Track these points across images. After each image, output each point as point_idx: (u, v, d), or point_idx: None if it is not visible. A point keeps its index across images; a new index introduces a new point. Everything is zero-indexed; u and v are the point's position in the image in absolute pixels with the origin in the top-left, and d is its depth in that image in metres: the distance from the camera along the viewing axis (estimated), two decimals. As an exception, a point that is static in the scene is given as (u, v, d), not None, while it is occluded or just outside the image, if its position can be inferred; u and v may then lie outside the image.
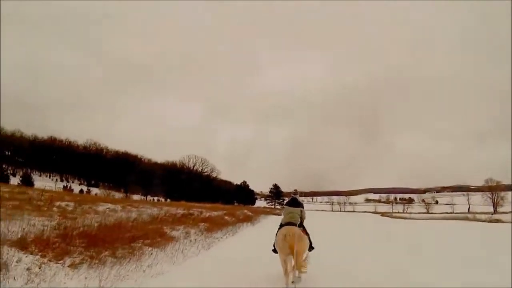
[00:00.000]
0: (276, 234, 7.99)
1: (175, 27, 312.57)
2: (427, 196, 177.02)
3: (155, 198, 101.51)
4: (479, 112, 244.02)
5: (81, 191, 76.73)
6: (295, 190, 9.11)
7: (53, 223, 10.36)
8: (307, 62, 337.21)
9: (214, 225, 17.69)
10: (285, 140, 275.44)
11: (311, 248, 8.18)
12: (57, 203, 18.87)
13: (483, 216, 46.74)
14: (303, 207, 8.61)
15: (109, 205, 22.73)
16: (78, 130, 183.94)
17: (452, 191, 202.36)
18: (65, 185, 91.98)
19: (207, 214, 23.95)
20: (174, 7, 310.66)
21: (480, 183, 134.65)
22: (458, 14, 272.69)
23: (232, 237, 16.25)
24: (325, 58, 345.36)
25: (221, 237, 15.08)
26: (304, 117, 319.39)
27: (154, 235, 11.31)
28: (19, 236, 7.71)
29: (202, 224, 16.96)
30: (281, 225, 8.10)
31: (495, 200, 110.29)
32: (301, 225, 8.14)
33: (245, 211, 35.87)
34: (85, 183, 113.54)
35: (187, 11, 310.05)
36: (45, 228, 9.08)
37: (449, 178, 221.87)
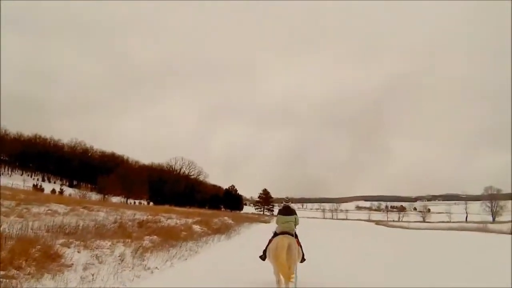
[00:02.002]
0: (269, 241, 7.77)
1: (176, 29, 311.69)
2: (418, 204, 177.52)
3: (137, 202, 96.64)
4: (477, 121, 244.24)
5: (53, 191, 71.78)
6: (287, 198, 9.11)
7: None
8: (306, 68, 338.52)
9: (167, 239, 12.41)
10: (279, 146, 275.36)
11: (302, 259, 7.86)
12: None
13: (503, 227, 41.89)
14: (296, 213, 8.18)
15: (55, 206, 18.93)
16: (77, 131, 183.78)
17: (443, 200, 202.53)
18: (35, 184, 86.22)
19: (171, 223, 19.15)
20: (176, 10, 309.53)
21: (474, 191, 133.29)
22: (459, 20, 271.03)
23: (182, 262, 9.96)
24: (324, 66, 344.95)
25: (160, 265, 8.91)
26: (300, 122, 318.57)
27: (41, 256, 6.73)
28: None
29: (150, 238, 11.98)
30: (276, 234, 7.77)
31: (494, 209, 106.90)
32: (295, 235, 7.80)
33: (226, 218, 30.39)
34: (67, 183, 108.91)
35: (190, 14, 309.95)
36: None
37: (440, 186, 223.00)
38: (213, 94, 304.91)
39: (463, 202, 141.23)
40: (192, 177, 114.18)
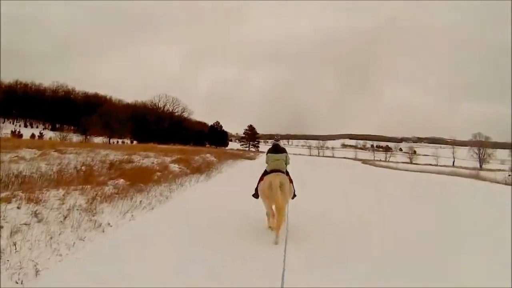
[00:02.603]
0: (260, 179, 7.76)
1: None
2: (404, 145, 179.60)
3: (120, 141, 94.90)
4: (467, 69, 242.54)
5: (32, 135, 69.73)
6: (277, 136, 8.96)
7: None
8: (296, 8, 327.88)
9: (137, 182, 10.77)
10: (266, 83, 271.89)
11: (293, 196, 7.86)
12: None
13: (497, 176, 40.46)
14: (286, 152, 8.14)
15: (25, 152, 17.63)
16: (59, 75, 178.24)
17: (428, 143, 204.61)
18: (13, 130, 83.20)
19: (148, 162, 17.73)
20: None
21: (461, 137, 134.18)
22: None
23: (147, 213, 8.30)
24: (316, 6, 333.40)
25: (117, 220, 7.22)
26: (290, 62, 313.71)
27: None
28: None
29: (115, 182, 10.50)
30: (266, 172, 7.77)
31: (482, 156, 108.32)
32: (287, 172, 7.75)
33: (208, 155, 28.94)
34: (50, 127, 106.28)
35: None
36: None
37: (426, 129, 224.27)
38: (199, 35, 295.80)
39: (449, 146, 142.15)
40: (177, 114, 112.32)
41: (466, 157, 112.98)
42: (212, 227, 7.42)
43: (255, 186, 7.92)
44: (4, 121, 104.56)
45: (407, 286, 4.72)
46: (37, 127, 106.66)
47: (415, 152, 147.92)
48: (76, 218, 6.37)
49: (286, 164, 7.91)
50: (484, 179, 35.18)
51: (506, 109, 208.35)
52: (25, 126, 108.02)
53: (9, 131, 78.15)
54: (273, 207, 7.05)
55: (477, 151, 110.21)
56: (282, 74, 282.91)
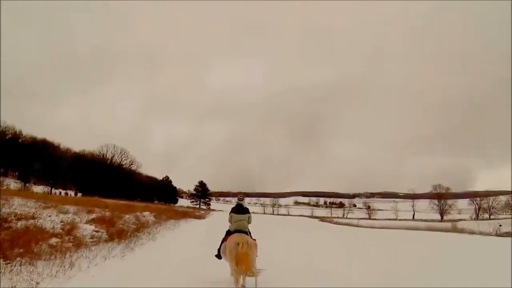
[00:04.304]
0: (223, 240, 7.83)
1: (124, 18, 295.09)
2: (357, 200, 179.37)
3: (63, 192, 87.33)
4: (412, 128, 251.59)
5: None
6: (241, 196, 8.60)
7: None
8: (248, 64, 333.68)
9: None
10: (217, 140, 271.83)
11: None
12: None
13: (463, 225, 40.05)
14: (249, 212, 8.16)
15: None
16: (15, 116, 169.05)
17: (381, 197, 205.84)
18: None
19: (56, 219, 13.12)
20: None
21: (418, 190, 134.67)
22: (408, 20, 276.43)
23: None
24: (270, 58, 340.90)
25: None
26: (241, 118, 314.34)
27: None
28: None
29: None
30: (230, 232, 7.78)
31: (443, 207, 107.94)
32: (249, 233, 7.93)
33: (146, 213, 23.25)
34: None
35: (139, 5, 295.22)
36: None
37: (377, 185, 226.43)
38: (151, 84, 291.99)
39: (401, 200, 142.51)
40: (125, 166, 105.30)
41: (426, 209, 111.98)
42: None
43: (218, 246, 7.99)
44: None
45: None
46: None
47: (369, 207, 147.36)
48: None
49: (248, 223, 7.93)
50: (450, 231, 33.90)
51: (460, 160, 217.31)
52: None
53: None
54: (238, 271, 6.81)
55: (437, 203, 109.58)
56: (232, 131, 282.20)
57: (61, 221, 12.93)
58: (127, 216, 18.99)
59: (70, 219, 13.62)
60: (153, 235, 16.23)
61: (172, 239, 16.75)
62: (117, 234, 13.26)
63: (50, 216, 13.85)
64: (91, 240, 11.43)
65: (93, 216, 15.86)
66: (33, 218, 12.46)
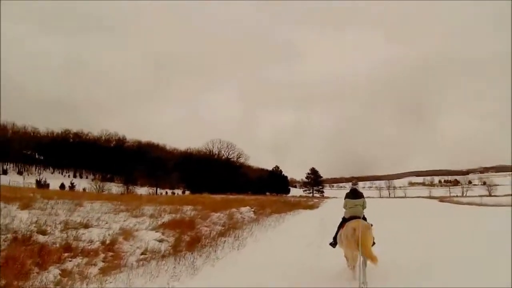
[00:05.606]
0: (339, 227, 7.59)
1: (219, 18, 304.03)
2: (471, 177, 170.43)
3: (170, 191, 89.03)
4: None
5: (62, 186, 64.45)
6: (355, 181, 8.61)
7: None
8: (353, 45, 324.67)
9: None
10: (326, 126, 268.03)
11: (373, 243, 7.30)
12: None
13: None
14: (364, 197, 7.86)
15: None
16: (114, 125, 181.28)
17: (495, 171, 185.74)
18: (38, 179, 77.65)
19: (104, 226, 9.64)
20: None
21: None
22: None
23: None
24: (371, 40, 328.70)
25: None
26: (347, 102, 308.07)
27: None
28: None
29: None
30: (344, 219, 7.54)
31: None
32: (364, 218, 7.57)
33: (246, 208, 20.13)
34: (100, 177, 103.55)
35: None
36: None
37: (490, 158, 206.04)
38: (253, 78, 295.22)
39: None
40: (232, 160, 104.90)
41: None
42: None
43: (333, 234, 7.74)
44: (54, 171, 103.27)
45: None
46: (86, 177, 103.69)
47: (484, 183, 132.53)
48: None
49: (363, 208, 7.66)
50: None
51: None
52: (74, 176, 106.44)
53: (33, 180, 73.32)
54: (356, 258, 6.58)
55: None
56: (339, 115, 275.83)
57: (120, 228, 9.40)
58: (216, 214, 15.31)
59: (131, 225, 10.07)
60: (241, 241, 11.91)
61: (268, 244, 12.19)
62: (190, 242, 9.74)
63: (107, 223, 10.36)
64: (142, 256, 7.54)
65: (165, 219, 12.03)
66: (85, 227, 9.08)
